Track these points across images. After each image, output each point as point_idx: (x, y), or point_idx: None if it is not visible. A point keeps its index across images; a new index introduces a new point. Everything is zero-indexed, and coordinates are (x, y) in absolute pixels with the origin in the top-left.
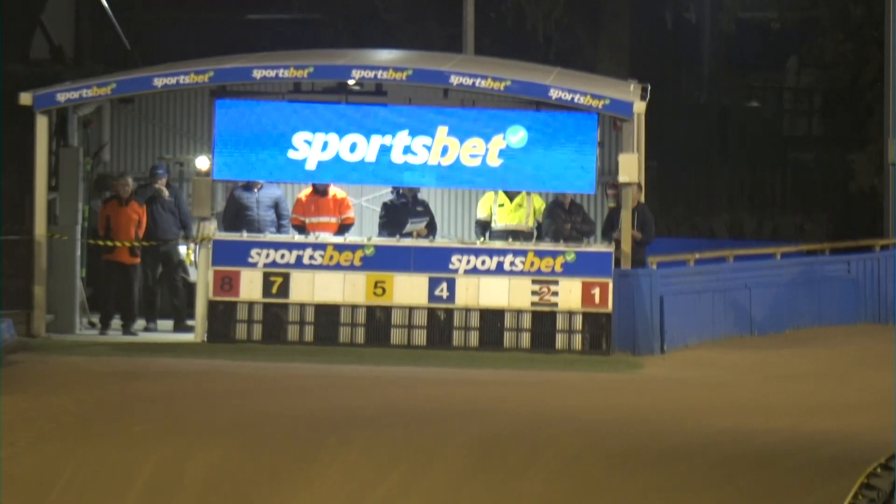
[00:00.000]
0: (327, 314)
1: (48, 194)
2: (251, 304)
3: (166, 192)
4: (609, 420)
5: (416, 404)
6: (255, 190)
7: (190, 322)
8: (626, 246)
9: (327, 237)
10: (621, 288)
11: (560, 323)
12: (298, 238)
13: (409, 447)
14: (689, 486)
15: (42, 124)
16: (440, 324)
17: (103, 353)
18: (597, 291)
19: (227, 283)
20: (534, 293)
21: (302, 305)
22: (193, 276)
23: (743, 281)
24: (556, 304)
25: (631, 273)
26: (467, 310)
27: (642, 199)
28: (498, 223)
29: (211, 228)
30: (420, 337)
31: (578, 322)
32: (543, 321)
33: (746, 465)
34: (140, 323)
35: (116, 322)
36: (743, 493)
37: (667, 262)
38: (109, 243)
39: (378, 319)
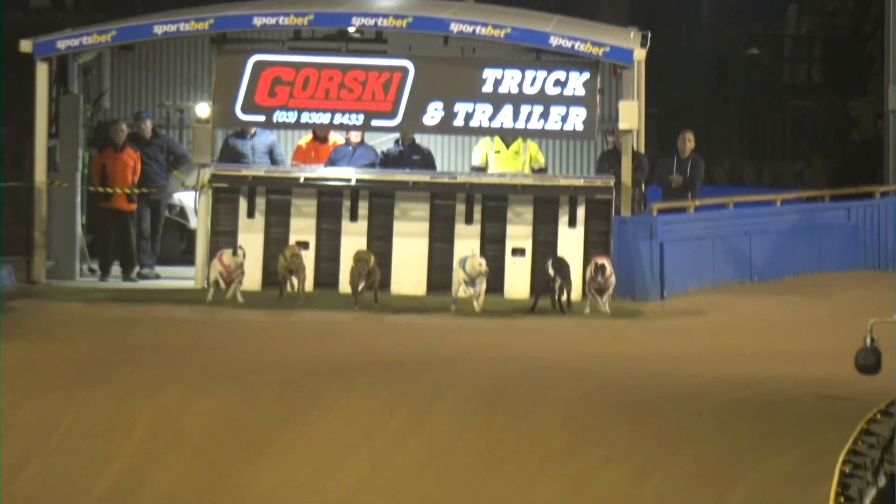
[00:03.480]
0: (328, 260)
1: (48, 141)
2: (252, 251)
3: (148, 131)
4: (609, 366)
5: (417, 351)
6: (249, 137)
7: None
8: (627, 193)
9: (320, 170)
10: (621, 234)
11: None
12: (294, 173)
13: (410, 393)
14: (690, 433)
15: (42, 72)
16: (441, 270)
17: (103, 299)
18: (597, 238)
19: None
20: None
21: (302, 250)
22: (193, 222)
23: (743, 228)
24: (556, 249)
25: (630, 220)
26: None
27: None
28: (494, 170)
29: (209, 175)
30: (421, 283)
31: (579, 268)
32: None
33: (746, 412)
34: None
35: (116, 269)
36: (743, 439)
37: (667, 208)
38: (108, 190)
39: (378, 266)
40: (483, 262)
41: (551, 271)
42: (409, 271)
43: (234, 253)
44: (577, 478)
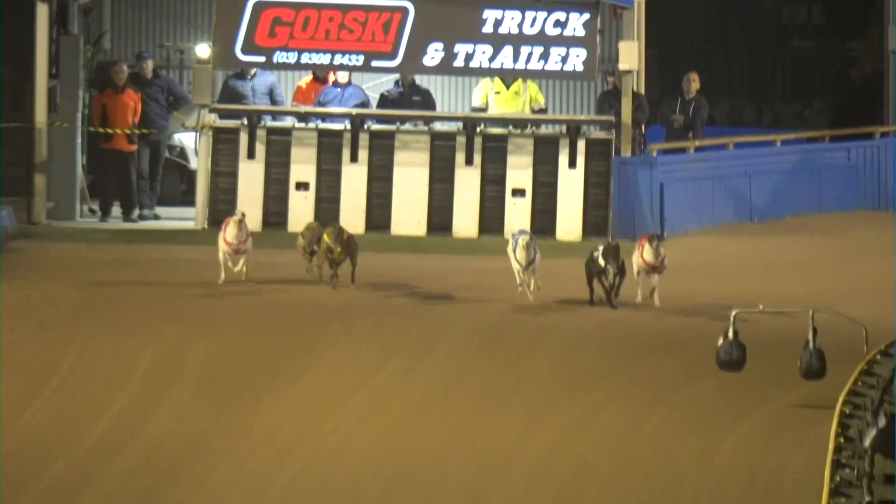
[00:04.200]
0: (328, 201)
1: (48, 82)
2: (252, 191)
3: (148, 71)
4: (609, 307)
5: (416, 292)
6: (249, 78)
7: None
8: (627, 133)
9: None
10: (621, 175)
11: (561, 209)
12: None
13: (410, 334)
14: (689, 373)
15: (42, 12)
16: (441, 211)
17: (104, 240)
18: (597, 179)
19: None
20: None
21: (302, 191)
22: (193, 163)
23: (743, 168)
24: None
25: (630, 160)
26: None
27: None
28: (494, 111)
29: (211, 117)
30: (420, 224)
31: (579, 209)
32: (545, 208)
33: (748, 353)
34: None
35: (116, 209)
36: (742, 380)
37: (667, 149)
38: (109, 131)
39: (378, 205)
40: (528, 246)
41: (602, 261)
42: (408, 212)
43: (240, 224)
44: (576, 418)
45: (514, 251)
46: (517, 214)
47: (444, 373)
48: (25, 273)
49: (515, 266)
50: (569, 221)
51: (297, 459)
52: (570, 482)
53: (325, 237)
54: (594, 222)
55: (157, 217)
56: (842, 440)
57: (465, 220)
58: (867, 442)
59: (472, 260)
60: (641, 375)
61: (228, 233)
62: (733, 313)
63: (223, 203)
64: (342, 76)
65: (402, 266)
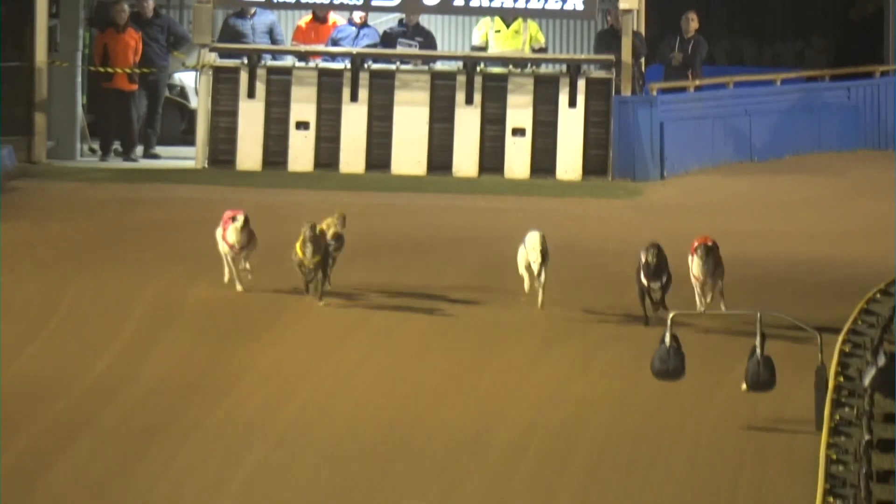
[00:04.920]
0: (328, 140)
1: (49, 21)
2: (252, 131)
3: (149, 11)
4: (610, 245)
5: (416, 232)
6: (249, 17)
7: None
8: (627, 72)
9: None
10: (621, 115)
11: (561, 149)
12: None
13: (410, 274)
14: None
15: None
16: (441, 151)
17: (104, 179)
18: (597, 118)
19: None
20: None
21: (303, 131)
22: (193, 103)
23: (743, 107)
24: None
25: (630, 99)
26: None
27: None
28: (494, 50)
29: (211, 56)
30: (421, 164)
31: (579, 148)
32: (545, 147)
33: (746, 292)
34: (139, 149)
35: (117, 148)
36: (741, 319)
37: (667, 88)
38: (110, 70)
39: (378, 145)
40: (540, 247)
41: (645, 280)
42: (409, 151)
43: (241, 230)
44: (576, 358)
45: (526, 251)
46: (517, 154)
47: (444, 312)
48: (25, 212)
49: (523, 270)
50: (569, 161)
51: (296, 399)
52: (570, 421)
53: (297, 247)
54: (594, 162)
55: (157, 156)
56: (842, 379)
57: (465, 159)
58: (867, 381)
59: (471, 199)
60: (641, 315)
61: (229, 235)
62: (670, 316)
63: (223, 142)
64: (358, 16)
65: (402, 205)
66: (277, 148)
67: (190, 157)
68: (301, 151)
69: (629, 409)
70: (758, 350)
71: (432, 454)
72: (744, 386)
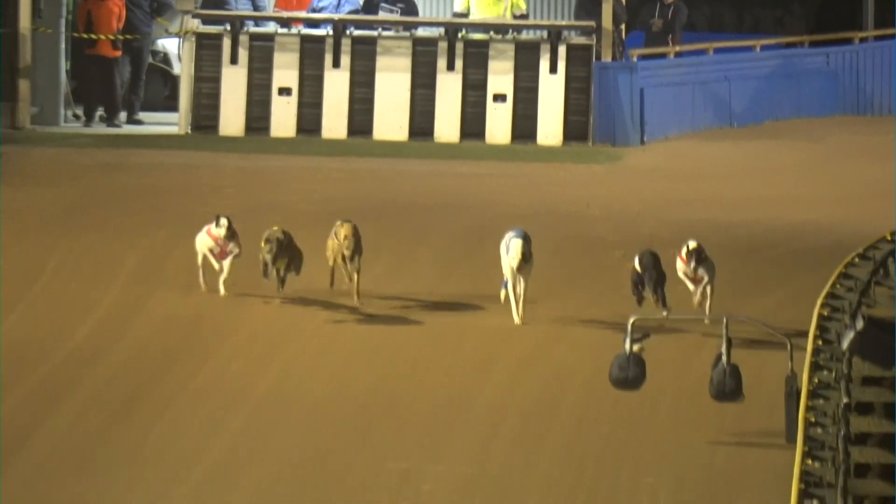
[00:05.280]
0: (310, 106)
1: None
2: (235, 96)
3: None
4: (591, 210)
5: (399, 196)
6: None
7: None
8: (607, 38)
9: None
10: (602, 81)
11: (542, 114)
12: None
13: (393, 237)
14: (671, 274)
15: None
16: (423, 116)
17: (87, 144)
18: (578, 84)
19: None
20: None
21: (285, 97)
22: (177, 69)
23: (723, 73)
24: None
25: (611, 65)
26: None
27: None
28: (476, 17)
29: (194, 23)
30: (403, 129)
31: (560, 114)
32: (526, 113)
33: (727, 255)
34: (123, 115)
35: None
36: (722, 282)
37: (647, 54)
38: (93, 36)
39: (360, 111)
40: (521, 252)
41: (639, 268)
42: (391, 117)
43: (218, 224)
44: (557, 321)
45: (507, 252)
46: (498, 119)
47: (426, 276)
48: (9, 178)
49: (507, 272)
50: (550, 127)
51: (278, 363)
52: (551, 384)
53: (263, 244)
54: (575, 127)
55: (140, 122)
56: (820, 342)
57: (447, 125)
58: (845, 344)
59: (453, 164)
60: (622, 278)
61: (213, 227)
62: (631, 320)
63: (206, 108)
64: None
65: (385, 171)
66: (260, 114)
67: (173, 122)
68: (283, 117)
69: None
70: (723, 357)
71: (414, 417)
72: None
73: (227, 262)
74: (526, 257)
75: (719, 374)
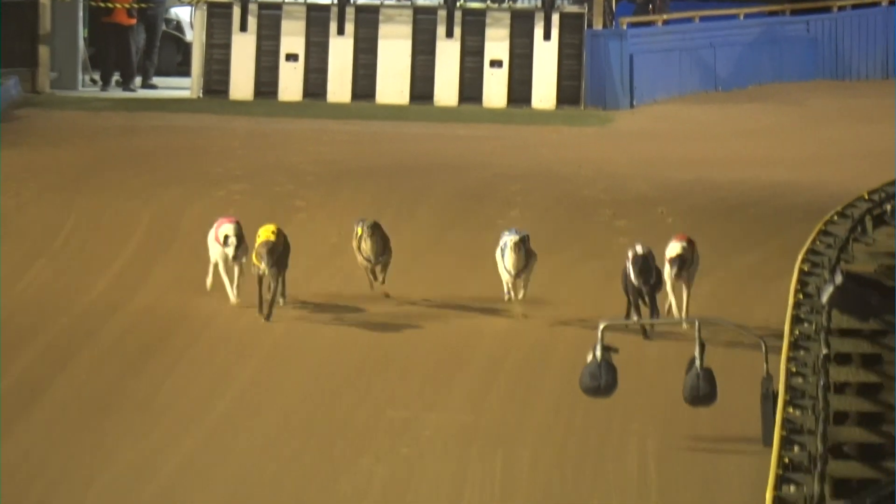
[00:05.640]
0: (316, 71)
1: None
2: (244, 62)
3: None
4: (582, 171)
5: (399, 158)
6: None
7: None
8: (598, 7)
9: None
10: (593, 47)
11: (536, 79)
12: None
13: (394, 197)
14: (659, 231)
15: None
16: (423, 81)
17: (104, 108)
18: (570, 51)
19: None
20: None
21: (292, 62)
22: (189, 36)
23: (708, 40)
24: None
25: (602, 33)
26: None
27: None
28: None
29: None
30: (404, 94)
31: (553, 79)
32: (522, 78)
33: (711, 214)
34: (138, 80)
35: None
36: (708, 239)
37: (636, 22)
38: (109, 5)
39: (364, 76)
40: (519, 249)
41: (635, 279)
42: (392, 82)
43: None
44: (554, 273)
45: (503, 255)
46: (495, 84)
47: (426, 233)
48: (30, 139)
49: (504, 275)
50: (544, 91)
51: (284, 318)
52: (548, 333)
53: (254, 257)
54: (567, 92)
55: (155, 87)
56: (801, 296)
57: (446, 89)
58: (824, 298)
59: (452, 127)
60: (615, 232)
61: (223, 226)
62: (601, 326)
63: (217, 73)
64: None
65: (387, 133)
66: (268, 78)
67: (185, 87)
68: (290, 82)
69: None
70: (697, 361)
71: (415, 368)
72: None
73: (235, 270)
74: (523, 263)
75: (693, 378)
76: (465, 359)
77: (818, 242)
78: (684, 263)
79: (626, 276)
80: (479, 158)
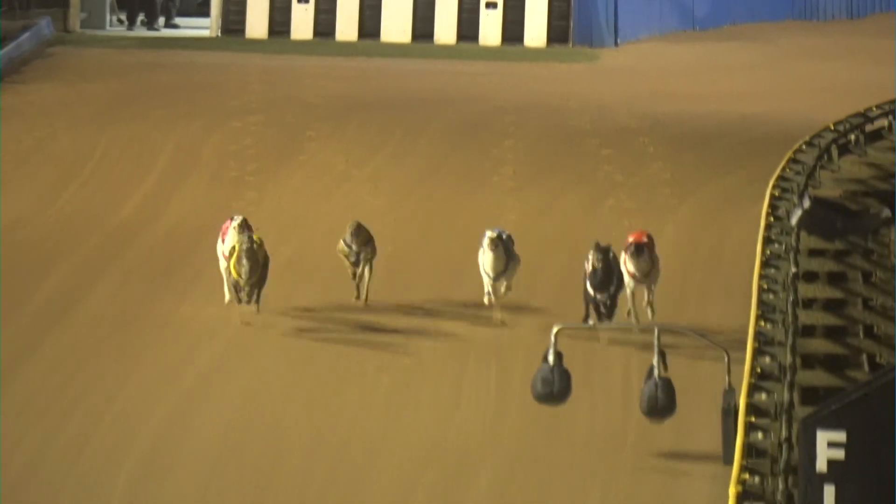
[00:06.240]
0: (325, 12)
1: None
2: (259, 4)
3: None
4: (570, 104)
5: (402, 93)
6: None
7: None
8: None
9: None
10: None
11: (528, 20)
12: None
13: (397, 128)
14: (641, 161)
15: None
16: (423, 21)
17: (130, 46)
18: None
19: None
20: None
21: (303, 4)
22: None
23: None
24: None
25: None
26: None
27: None
28: None
29: None
30: (406, 32)
31: (544, 19)
32: (515, 18)
33: (689, 143)
34: (161, 20)
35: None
36: (688, 166)
37: None
38: None
39: (369, 16)
40: (497, 247)
41: (591, 290)
42: (396, 21)
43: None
44: (542, 199)
45: (482, 255)
46: (490, 24)
47: (427, 161)
48: (62, 75)
49: (485, 277)
50: (535, 30)
51: (302, 230)
52: (537, 254)
53: (232, 266)
54: (557, 31)
55: (177, 26)
56: (772, 219)
57: (445, 29)
58: (793, 221)
59: (450, 63)
60: (598, 161)
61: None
62: (555, 330)
63: (234, 14)
64: None
65: (391, 69)
66: (281, 19)
67: (205, 27)
68: (302, 22)
69: (587, 245)
70: (655, 370)
71: (418, 281)
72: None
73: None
74: (502, 264)
75: (651, 388)
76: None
77: (788, 170)
78: (642, 249)
79: (584, 281)
80: (475, 92)
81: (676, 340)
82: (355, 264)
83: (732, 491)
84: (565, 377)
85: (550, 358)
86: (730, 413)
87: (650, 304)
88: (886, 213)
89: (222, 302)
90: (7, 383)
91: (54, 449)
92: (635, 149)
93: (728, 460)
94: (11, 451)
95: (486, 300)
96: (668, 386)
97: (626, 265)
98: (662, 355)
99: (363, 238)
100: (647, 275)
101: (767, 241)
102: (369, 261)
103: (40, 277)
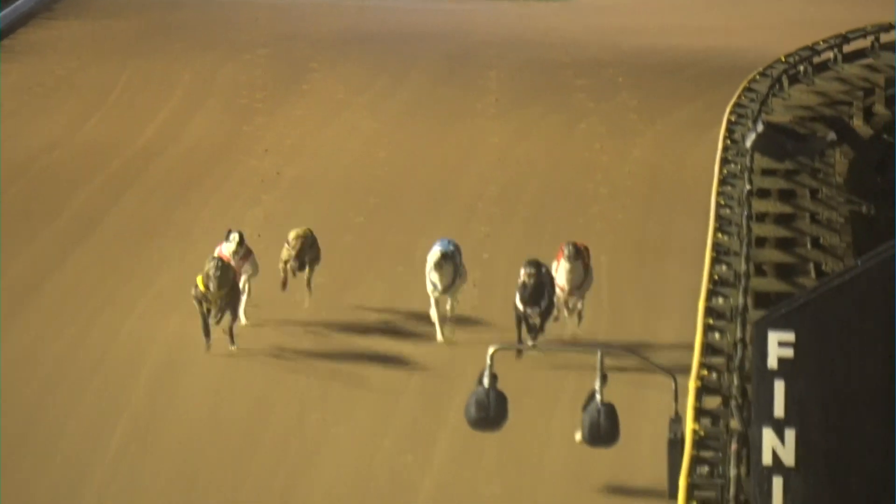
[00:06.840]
0: None
1: None
2: None
3: None
4: (549, 39)
5: (396, 27)
6: None
7: None
8: None
9: None
10: None
11: None
12: None
13: (390, 60)
14: (611, 90)
15: None
16: None
17: None
18: None
19: None
20: None
21: None
22: None
23: None
24: None
25: None
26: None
27: None
28: None
29: None
30: None
31: None
32: None
33: (655, 74)
34: None
35: None
36: (652, 95)
37: None
38: None
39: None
40: (442, 265)
41: (521, 305)
42: None
43: (228, 239)
44: (522, 124)
45: (429, 270)
46: None
47: (419, 90)
48: (87, 12)
49: (431, 293)
50: None
51: (302, 158)
52: (517, 174)
53: (199, 280)
54: None
55: None
56: (728, 142)
57: None
58: (748, 143)
59: (440, 1)
60: (574, 90)
61: (225, 247)
62: (490, 350)
63: None
64: None
65: (385, 6)
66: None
67: None
68: None
69: (564, 164)
70: (597, 395)
71: (411, 198)
72: (578, 436)
73: (243, 285)
74: (450, 280)
75: (593, 414)
76: (452, 190)
77: (743, 97)
78: (578, 255)
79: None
80: (462, 27)
81: (620, 363)
82: (300, 269)
83: (692, 386)
84: (501, 401)
85: (486, 380)
86: (676, 444)
87: (578, 312)
88: (832, 136)
89: (237, 211)
90: (38, 293)
91: (79, 356)
92: (606, 79)
93: (673, 494)
94: (36, 361)
95: (432, 314)
96: (611, 412)
97: (557, 276)
98: (604, 378)
99: (308, 243)
100: (580, 286)
101: (724, 161)
102: (313, 265)
103: (70, 194)
